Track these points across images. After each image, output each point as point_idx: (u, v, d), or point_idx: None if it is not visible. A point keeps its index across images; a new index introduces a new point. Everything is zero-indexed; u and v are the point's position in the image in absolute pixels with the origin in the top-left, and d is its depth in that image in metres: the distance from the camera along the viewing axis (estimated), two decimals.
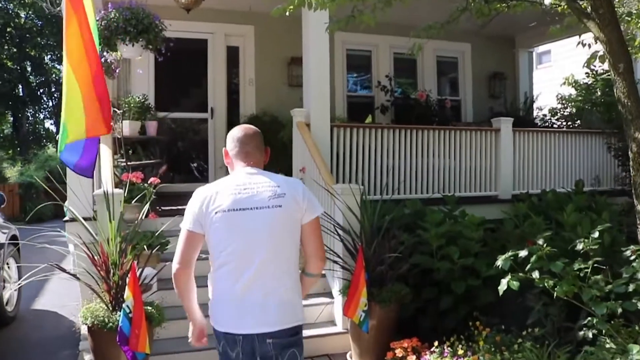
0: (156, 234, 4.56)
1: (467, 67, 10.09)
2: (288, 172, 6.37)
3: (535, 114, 10.28)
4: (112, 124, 3.86)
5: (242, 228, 2.41)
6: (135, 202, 5.03)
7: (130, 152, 7.01)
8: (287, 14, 4.54)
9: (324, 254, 2.64)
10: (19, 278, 5.57)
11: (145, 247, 4.51)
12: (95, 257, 3.74)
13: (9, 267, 5.53)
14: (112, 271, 3.72)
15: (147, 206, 4.37)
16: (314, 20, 5.83)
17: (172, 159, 8.06)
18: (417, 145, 6.90)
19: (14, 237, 5.60)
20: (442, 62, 10.07)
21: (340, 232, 4.75)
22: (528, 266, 3.67)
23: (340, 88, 9.32)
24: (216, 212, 2.42)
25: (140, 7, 5.33)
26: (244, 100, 8.75)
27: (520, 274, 3.62)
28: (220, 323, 2.47)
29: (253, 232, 2.41)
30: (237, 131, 2.65)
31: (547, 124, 9.63)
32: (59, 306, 6.12)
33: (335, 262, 4.67)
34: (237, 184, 2.48)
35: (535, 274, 3.61)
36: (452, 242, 4.96)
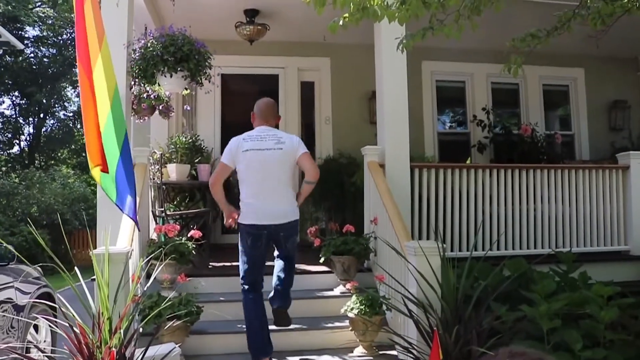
0: (177, 300, 3.65)
1: (581, 96, 8.60)
2: (359, 222, 5.34)
3: None
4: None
5: (258, 161, 3.87)
6: (170, 259, 4.23)
7: (187, 199, 6.32)
8: (341, 23, 3.57)
9: (316, 168, 4.03)
10: (53, 342, 4.90)
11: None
12: (80, 338, 2.87)
13: (37, 331, 4.86)
14: (99, 356, 2.83)
15: (161, 265, 3.50)
16: (385, 37, 4.90)
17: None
18: (521, 188, 5.68)
19: (45, 295, 4.95)
20: (549, 91, 8.66)
21: (412, 307, 3.58)
22: None
23: (430, 124, 8.21)
24: (243, 152, 3.89)
25: (181, 33, 4.62)
26: (319, 140, 7.90)
27: None
28: (249, 219, 3.90)
29: (265, 164, 3.87)
30: (261, 102, 4.14)
31: None
32: None
33: (405, 349, 3.49)
34: (256, 134, 3.96)
35: None
36: (571, 322, 3.63)
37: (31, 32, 21.81)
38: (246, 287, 3.95)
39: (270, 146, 3.87)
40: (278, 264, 4.08)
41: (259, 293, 3.98)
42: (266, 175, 3.87)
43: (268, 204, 3.87)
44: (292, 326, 4.30)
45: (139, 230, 4.22)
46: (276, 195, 3.89)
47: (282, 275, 4.01)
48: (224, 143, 7.41)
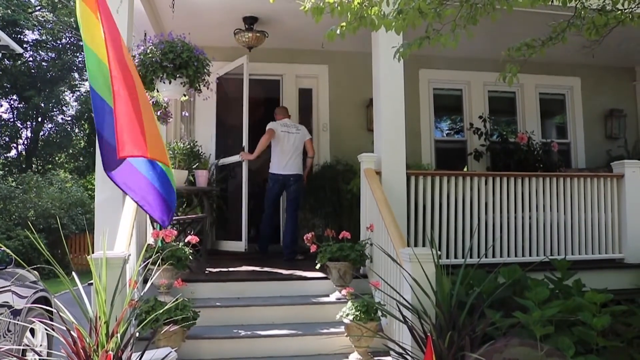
0: (174, 305, 3.67)
1: (577, 105, 8.66)
2: (355, 229, 5.38)
3: None
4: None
5: (287, 139, 6.63)
6: (167, 264, 4.25)
7: (184, 205, 6.35)
8: (338, 32, 3.62)
9: (313, 148, 6.91)
10: (49, 345, 4.91)
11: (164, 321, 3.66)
12: (77, 342, 2.89)
13: (33, 335, 4.87)
14: (95, 359, 2.85)
15: (159, 271, 3.52)
16: (382, 45, 4.96)
17: (234, 213, 7.28)
18: (517, 196, 5.71)
19: (41, 299, 4.95)
20: (546, 100, 8.72)
21: (407, 313, 3.61)
22: None
23: (427, 132, 8.27)
24: (281, 131, 6.63)
25: (180, 39, 4.66)
26: (317, 147, 7.86)
27: None
28: (276, 169, 6.65)
29: (290, 140, 6.64)
30: (280, 107, 7.16)
31: None
32: None
33: (399, 355, 3.52)
34: (286, 123, 6.78)
35: None
36: (563, 328, 3.66)
37: (30, 36, 21.86)
38: (268, 208, 6.76)
39: (294, 131, 6.68)
40: (286, 225, 6.78)
41: (272, 212, 6.80)
42: (290, 146, 6.59)
43: (288, 162, 6.58)
44: (287, 331, 4.35)
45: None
46: (292, 159, 6.61)
47: (287, 232, 6.68)
48: (217, 150, 7.50)
